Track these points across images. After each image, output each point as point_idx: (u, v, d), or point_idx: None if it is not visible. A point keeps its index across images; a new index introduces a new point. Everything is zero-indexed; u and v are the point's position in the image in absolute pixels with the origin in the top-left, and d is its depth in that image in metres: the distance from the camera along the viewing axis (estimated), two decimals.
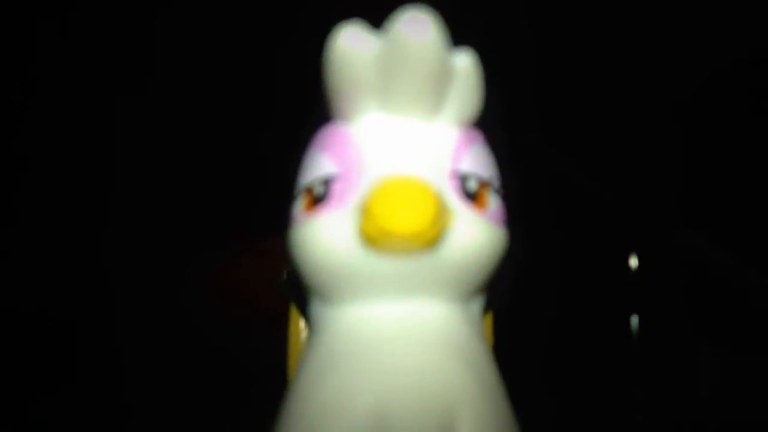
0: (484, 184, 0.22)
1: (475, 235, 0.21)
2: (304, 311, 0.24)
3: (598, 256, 0.67)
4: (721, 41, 0.64)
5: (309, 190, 0.22)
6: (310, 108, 0.23)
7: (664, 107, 0.69)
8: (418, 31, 0.19)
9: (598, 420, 0.58)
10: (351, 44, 0.20)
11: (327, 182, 0.22)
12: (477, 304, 0.23)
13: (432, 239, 0.20)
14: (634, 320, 0.67)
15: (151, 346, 0.60)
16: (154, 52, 0.63)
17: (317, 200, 0.22)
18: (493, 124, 0.24)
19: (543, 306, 0.59)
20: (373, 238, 0.20)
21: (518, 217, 0.25)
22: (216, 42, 0.61)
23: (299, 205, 0.22)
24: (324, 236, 0.21)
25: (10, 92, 0.63)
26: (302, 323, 0.26)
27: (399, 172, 0.21)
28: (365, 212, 0.19)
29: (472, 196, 0.22)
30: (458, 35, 0.21)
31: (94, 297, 0.62)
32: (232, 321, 0.62)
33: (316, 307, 0.23)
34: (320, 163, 0.22)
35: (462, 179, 0.22)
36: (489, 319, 0.25)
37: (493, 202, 0.22)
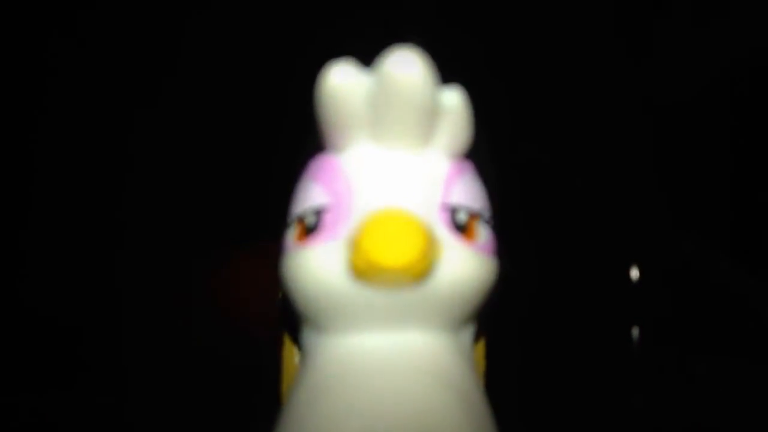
0: (474, 216, 0.22)
1: (465, 267, 0.21)
2: (296, 337, 0.25)
3: (598, 268, 0.67)
4: (722, 42, 0.64)
5: (301, 220, 0.22)
6: (310, 127, 0.23)
7: (664, 110, 0.69)
8: (408, 69, 0.20)
9: None
10: (341, 80, 0.20)
11: (318, 213, 0.22)
12: (467, 334, 0.23)
13: (421, 272, 0.20)
14: (635, 332, 0.66)
15: (151, 354, 0.61)
16: (168, 65, 0.64)
17: (309, 230, 0.22)
18: (483, 146, 0.24)
19: (538, 319, 0.59)
20: (362, 272, 0.20)
21: (514, 232, 0.25)
22: (226, 58, 0.63)
23: (291, 234, 0.23)
24: (315, 268, 0.21)
25: (21, 96, 0.64)
26: (295, 348, 0.26)
27: (388, 205, 0.21)
28: (354, 246, 0.19)
29: (462, 228, 0.22)
30: (447, 69, 0.21)
31: (97, 300, 0.63)
32: (230, 334, 0.63)
33: (308, 335, 0.23)
34: (312, 194, 0.22)
35: (452, 211, 0.22)
36: (481, 347, 0.25)
37: (483, 233, 0.22)
